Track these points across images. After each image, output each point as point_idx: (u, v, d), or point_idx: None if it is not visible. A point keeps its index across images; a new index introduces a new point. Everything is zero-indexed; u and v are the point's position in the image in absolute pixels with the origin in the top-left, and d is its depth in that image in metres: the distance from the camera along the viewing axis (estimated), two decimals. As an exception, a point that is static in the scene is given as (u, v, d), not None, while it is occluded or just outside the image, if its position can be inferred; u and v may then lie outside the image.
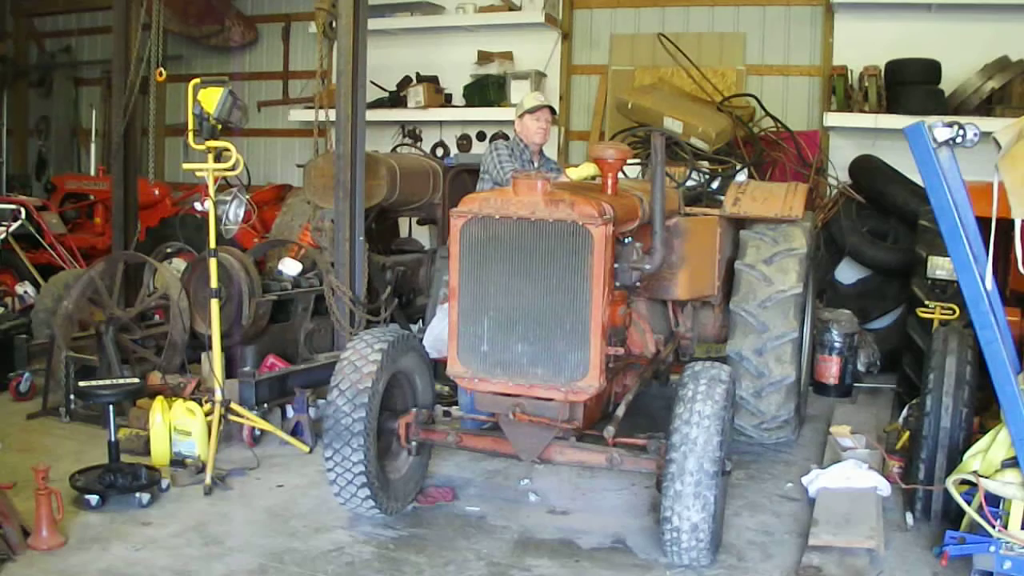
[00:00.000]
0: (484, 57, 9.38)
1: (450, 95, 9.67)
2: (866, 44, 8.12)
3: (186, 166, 5.24)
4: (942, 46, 7.80)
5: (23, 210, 7.90)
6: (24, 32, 12.41)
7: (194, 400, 5.26)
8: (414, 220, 8.68)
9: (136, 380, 5.10)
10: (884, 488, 4.53)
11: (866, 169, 7.87)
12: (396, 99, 9.64)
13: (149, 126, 9.40)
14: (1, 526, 3.89)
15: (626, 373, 4.82)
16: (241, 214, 5.43)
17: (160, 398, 5.20)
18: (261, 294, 5.95)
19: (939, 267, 6.02)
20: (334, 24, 6.48)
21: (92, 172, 10.52)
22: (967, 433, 4.24)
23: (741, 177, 7.41)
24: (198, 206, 6.10)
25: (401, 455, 4.50)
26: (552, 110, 5.73)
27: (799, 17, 8.66)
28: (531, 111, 5.63)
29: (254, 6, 10.99)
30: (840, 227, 7.85)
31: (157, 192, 9.64)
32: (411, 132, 9.95)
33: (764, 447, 5.51)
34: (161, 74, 7.19)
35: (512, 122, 5.89)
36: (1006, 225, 3.75)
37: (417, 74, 9.65)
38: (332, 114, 6.53)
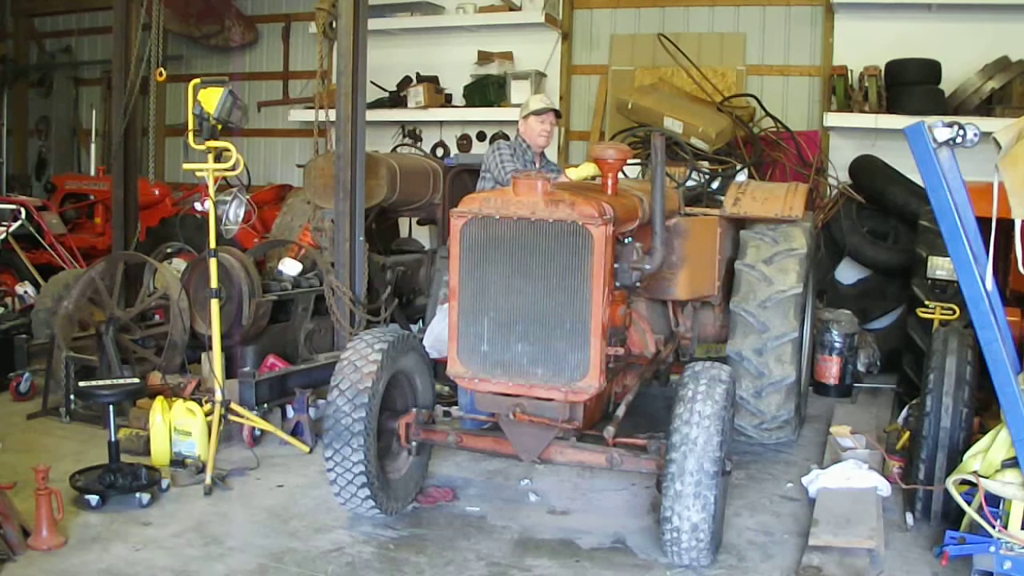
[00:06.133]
0: (484, 57, 9.38)
1: (450, 95, 9.67)
2: (866, 44, 8.12)
3: (186, 166, 5.24)
4: (942, 46, 7.80)
5: (23, 210, 7.92)
6: (24, 32, 12.41)
7: (194, 400, 5.26)
8: (414, 220, 8.68)
9: (136, 380, 5.09)
10: (884, 488, 4.53)
11: (866, 169, 7.87)
12: (396, 99, 9.63)
13: (149, 126, 9.40)
14: (1, 526, 3.89)
15: (626, 373, 4.82)
16: (241, 214, 5.43)
17: (160, 398, 5.20)
18: (261, 294, 5.95)
19: (939, 267, 6.02)
20: (334, 24, 6.48)
21: (92, 172, 10.52)
22: (967, 433, 4.24)
23: (741, 177, 7.42)
24: (198, 206, 6.12)
25: (401, 455, 4.50)
26: (557, 113, 5.70)
27: (799, 17, 8.67)
28: (537, 113, 5.58)
29: (254, 6, 10.99)
30: (840, 227, 7.85)
31: (157, 192, 9.64)
32: (411, 132, 9.94)
33: (764, 447, 5.51)
34: (161, 74, 7.20)
35: (513, 122, 5.88)
36: (1006, 225, 3.75)
37: (417, 74, 9.65)
38: (332, 114, 6.53)
